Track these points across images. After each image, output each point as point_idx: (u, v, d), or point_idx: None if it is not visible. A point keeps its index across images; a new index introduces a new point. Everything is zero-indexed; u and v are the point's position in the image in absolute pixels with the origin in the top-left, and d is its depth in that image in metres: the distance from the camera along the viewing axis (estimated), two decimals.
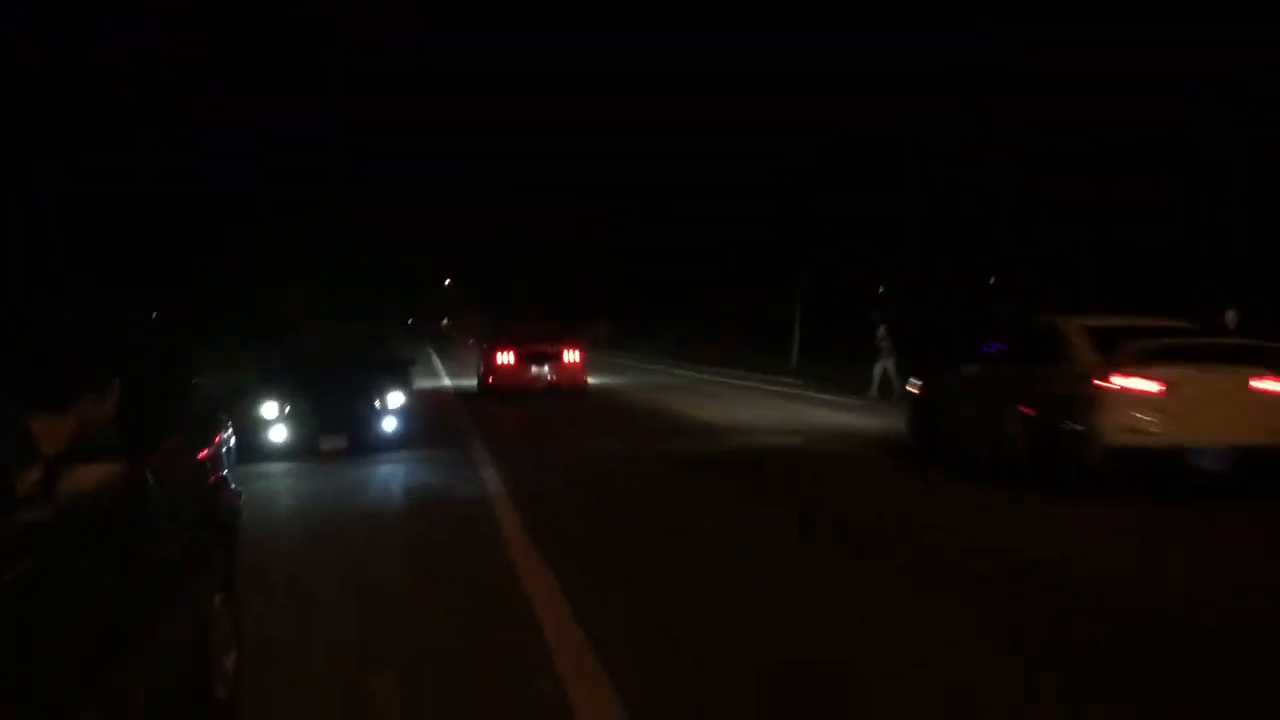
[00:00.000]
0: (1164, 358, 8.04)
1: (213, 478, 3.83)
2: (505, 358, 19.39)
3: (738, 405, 17.70)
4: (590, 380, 20.74)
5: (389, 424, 11.93)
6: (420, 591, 5.67)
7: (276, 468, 10.73)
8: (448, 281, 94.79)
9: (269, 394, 11.53)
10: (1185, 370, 8.01)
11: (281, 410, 11.45)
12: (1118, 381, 7.97)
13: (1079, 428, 8.11)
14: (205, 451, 3.75)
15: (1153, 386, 7.92)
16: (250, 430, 11.31)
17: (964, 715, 3.79)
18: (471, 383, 22.31)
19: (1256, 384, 8.09)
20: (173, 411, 3.63)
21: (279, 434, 11.35)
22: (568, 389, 19.15)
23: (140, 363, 3.37)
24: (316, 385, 11.75)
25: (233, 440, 4.37)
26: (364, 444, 11.63)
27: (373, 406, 11.95)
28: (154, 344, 3.70)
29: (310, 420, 11.46)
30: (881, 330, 18.80)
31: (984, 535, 6.99)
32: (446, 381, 25.41)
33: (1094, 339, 8.60)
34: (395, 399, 12.14)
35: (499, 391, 19.27)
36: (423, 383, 19.82)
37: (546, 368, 19.27)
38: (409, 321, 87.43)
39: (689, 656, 4.39)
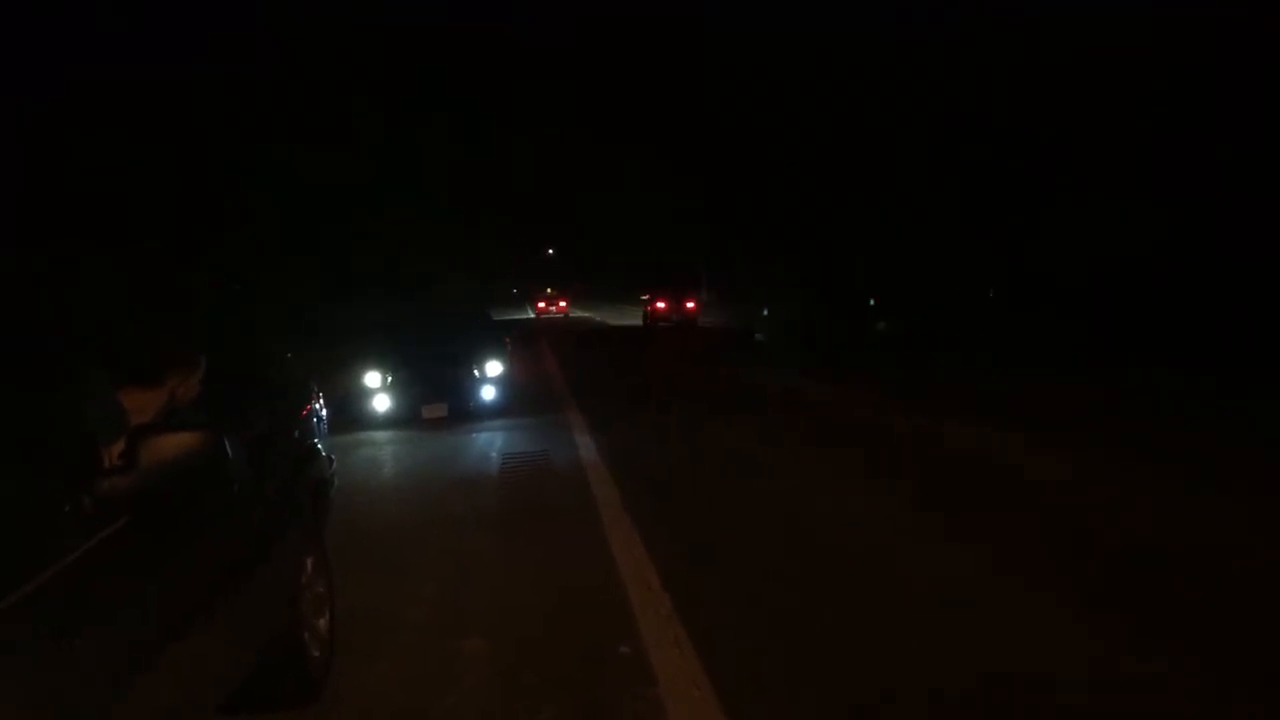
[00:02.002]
0: (660, 291, 37.93)
1: (302, 446, 3.95)
2: (540, 303, 67.06)
3: (624, 319, 45.51)
4: (577, 313, 60.60)
5: (488, 392, 12.16)
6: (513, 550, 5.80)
7: (380, 435, 11.05)
8: (550, 251, 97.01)
9: (372, 364, 11.86)
10: (665, 297, 37.65)
11: (384, 380, 11.78)
12: (651, 299, 38.46)
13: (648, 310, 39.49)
14: (294, 421, 3.87)
15: (661, 305, 37.61)
16: (354, 399, 11.69)
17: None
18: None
19: (685, 300, 37.48)
20: (260, 382, 3.75)
21: (382, 403, 11.68)
22: (561, 314, 61.19)
23: (226, 335, 3.47)
24: (418, 355, 12.03)
25: (324, 410, 4.50)
26: (464, 412, 11.89)
27: (472, 375, 12.19)
28: (242, 316, 3.80)
29: (412, 389, 11.76)
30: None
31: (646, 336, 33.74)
32: (530, 315, 60.77)
33: (651, 290, 39.63)
34: (494, 367, 12.35)
35: (537, 314, 61.85)
36: (520, 315, 55.11)
37: (554, 306, 64.43)
38: (514, 291, 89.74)
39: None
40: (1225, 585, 4.66)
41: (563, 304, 62.72)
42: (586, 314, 57.82)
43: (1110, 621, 4.21)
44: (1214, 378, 13.20)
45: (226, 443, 2.43)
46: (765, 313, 26.32)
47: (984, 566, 5.12)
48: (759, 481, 7.71)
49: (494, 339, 13.22)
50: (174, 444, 2.33)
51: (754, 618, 4.48)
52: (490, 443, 10.20)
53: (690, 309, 37.13)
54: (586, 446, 9.44)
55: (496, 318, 15.45)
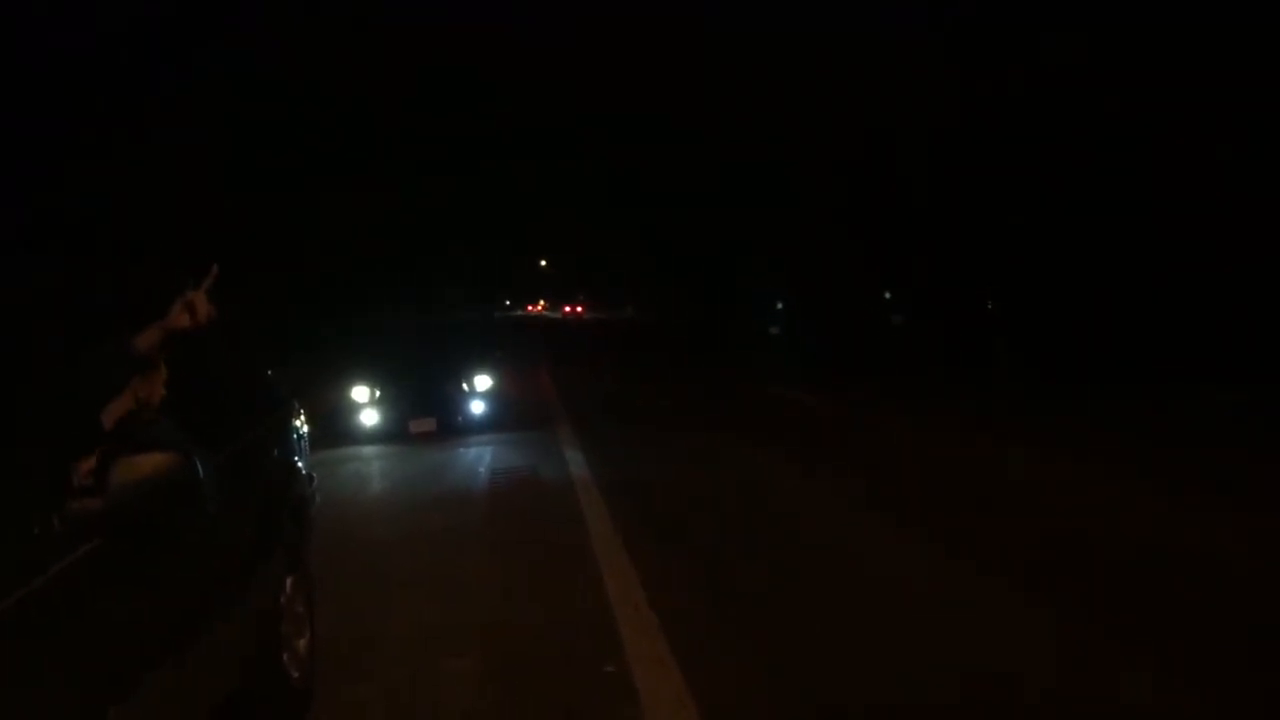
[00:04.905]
0: (568, 303, 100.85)
1: (282, 464, 3.90)
2: (529, 307, 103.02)
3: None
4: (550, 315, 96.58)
5: (477, 407, 12.09)
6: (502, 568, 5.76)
7: (367, 450, 10.99)
8: (543, 263, 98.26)
9: (360, 378, 11.79)
10: (569, 305, 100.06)
11: (372, 394, 11.71)
12: (564, 305, 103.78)
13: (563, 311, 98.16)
14: (273, 438, 3.83)
15: (567, 308, 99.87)
16: (342, 414, 11.62)
17: None
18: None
19: (578, 307, 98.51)
20: (237, 399, 3.71)
21: (370, 417, 11.61)
22: (540, 313, 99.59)
23: (200, 350, 3.41)
24: (406, 369, 11.96)
25: (305, 427, 4.45)
26: (452, 427, 11.82)
27: (461, 389, 12.13)
28: (219, 329, 3.74)
29: (400, 404, 11.69)
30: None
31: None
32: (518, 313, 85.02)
33: (565, 303, 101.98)
34: (483, 382, 12.29)
35: (525, 313, 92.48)
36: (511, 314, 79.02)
37: (537, 309, 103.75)
38: (507, 302, 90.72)
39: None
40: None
41: (543, 306, 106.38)
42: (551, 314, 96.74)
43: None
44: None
45: (199, 463, 2.39)
46: (779, 305, 27.41)
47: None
48: (766, 504, 7.69)
49: (484, 352, 13.17)
50: (145, 465, 2.29)
51: (740, 635, 4.44)
52: (479, 458, 10.15)
53: (580, 311, 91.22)
54: (576, 463, 9.39)
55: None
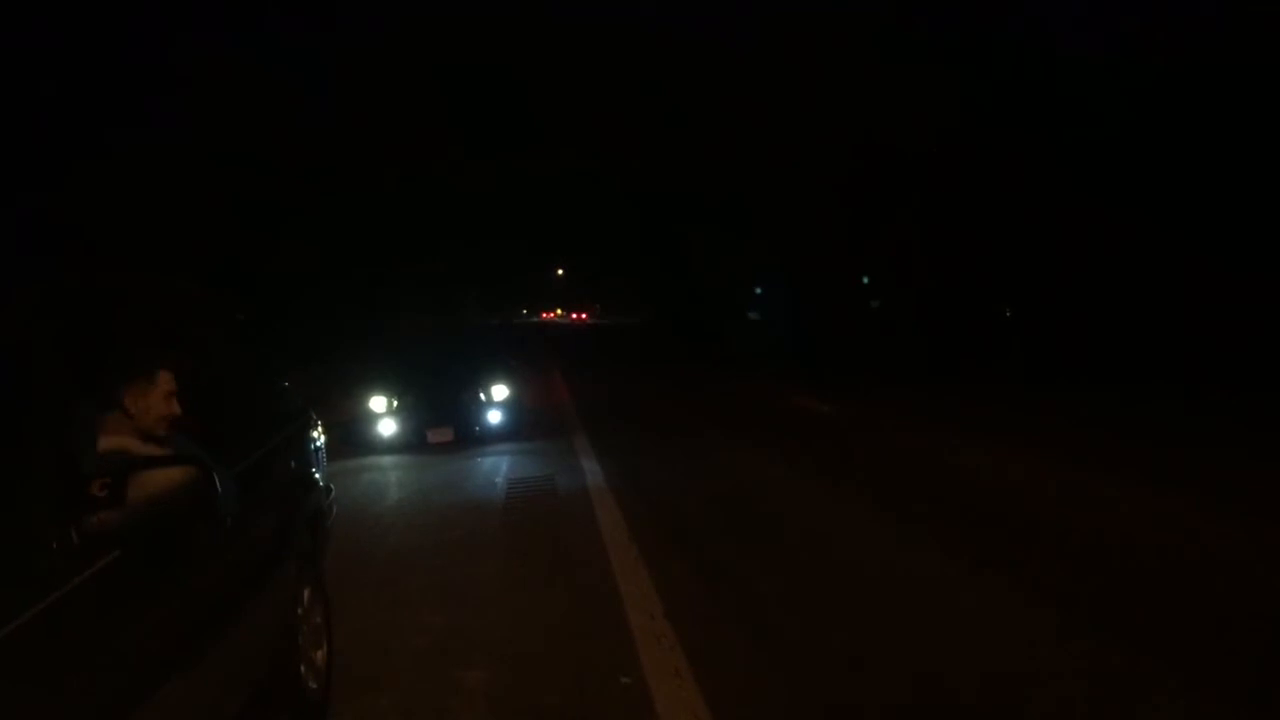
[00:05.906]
0: (575, 309, 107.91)
1: (299, 476, 3.92)
2: (544, 314, 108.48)
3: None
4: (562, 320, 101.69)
5: (494, 416, 12.10)
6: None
7: (386, 460, 11.02)
8: (560, 272, 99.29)
9: (377, 388, 11.83)
10: (576, 312, 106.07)
11: (390, 404, 11.75)
12: (571, 313, 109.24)
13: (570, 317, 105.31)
14: (290, 450, 3.85)
15: (574, 316, 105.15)
16: (360, 423, 11.67)
17: None
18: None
19: (584, 314, 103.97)
20: (253, 411, 3.73)
21: (388, 427, 11.65)
22: (553, 320, 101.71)
23: (218, 364, 3.46)
24: (423, 378, 12.01)
25: (322, 438, 4.47)
26: (470, 436, 11.84)
27: (478, 399, 12.15)
28: (234, 342, 3.78)
29: (417, 413, 11.72)
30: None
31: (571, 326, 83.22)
32: (535, 320, 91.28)
33: (571, 310, 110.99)
34: (500, 391, 12.31)
35: (541, 319, 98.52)
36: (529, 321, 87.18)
37: (552, 315, 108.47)
38: (524, 311, 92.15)
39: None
40: None
41: (559, 312, 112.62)
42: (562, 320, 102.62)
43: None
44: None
45: (216, 477, 2.41)
46: (758, 290, 29.01)
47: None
48: (770, 506, 7.67)
49: (501, 361, 13.21)
50: (162, 479, 2.31)
51: (756, 648, 4.43)
52: (496, 467, 10.17)
53: (584, 317, 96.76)
54: (592, 472, 9.39)
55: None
